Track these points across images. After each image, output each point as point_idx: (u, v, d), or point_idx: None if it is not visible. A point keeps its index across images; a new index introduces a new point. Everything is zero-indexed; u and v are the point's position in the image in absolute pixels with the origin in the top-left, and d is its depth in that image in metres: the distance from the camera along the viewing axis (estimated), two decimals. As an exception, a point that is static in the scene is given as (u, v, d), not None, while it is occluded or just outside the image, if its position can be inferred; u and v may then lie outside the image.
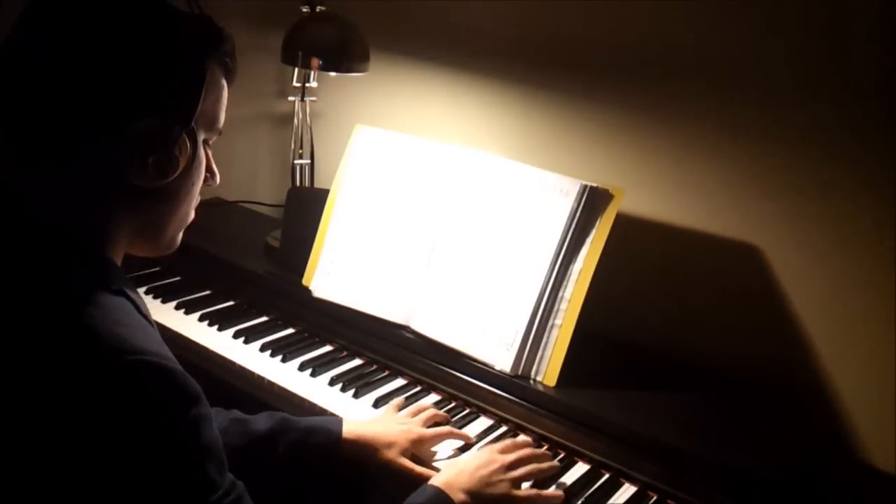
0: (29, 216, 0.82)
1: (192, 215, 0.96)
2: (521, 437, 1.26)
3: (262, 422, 1.17)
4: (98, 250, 0.86)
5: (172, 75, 0.84)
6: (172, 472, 0.78)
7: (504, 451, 1.15)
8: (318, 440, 1.17)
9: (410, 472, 1.17)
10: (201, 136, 0.89)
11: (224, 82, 0.91)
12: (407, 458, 1.19)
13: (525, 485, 1.14)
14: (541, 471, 1.15)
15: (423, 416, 1.26)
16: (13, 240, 0.82)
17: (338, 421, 1.20)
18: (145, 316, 0.86)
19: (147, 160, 0.82)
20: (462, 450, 1.25)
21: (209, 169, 0.94)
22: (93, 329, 0.76)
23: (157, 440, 0.76)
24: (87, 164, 0.83)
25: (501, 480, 1.10)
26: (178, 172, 0.86)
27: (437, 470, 1.17)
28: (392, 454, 1.17)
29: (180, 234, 0.96)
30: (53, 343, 0.75)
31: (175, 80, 0.84)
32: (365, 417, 1.30)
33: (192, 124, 0.86)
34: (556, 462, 1.19)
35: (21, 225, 0.82)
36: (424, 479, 1.14)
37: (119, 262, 0.89)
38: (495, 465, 1.12)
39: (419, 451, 1.21)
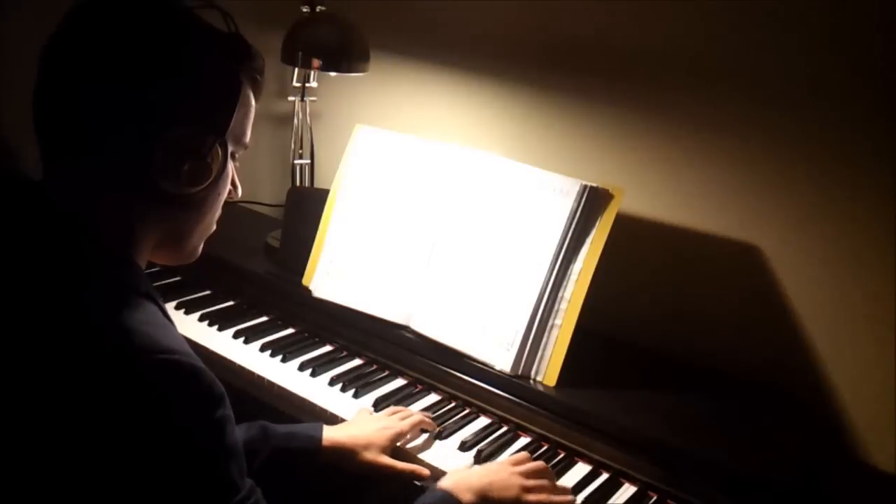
0: (64, 218, 0.84)
1: (214, 226, 0.98)
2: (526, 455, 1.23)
3: (241, 431, 1.15)
4: (127, 254, 0.87)
5: (209, 87, 0.86)
6: (198, 470, 0.79)
7: (516, 463, 1.15)
8: (300, 444, 1.16)
9: (393, 469, 1.17)
10: (230, 149, 0.91)
11: (252, 98, 0.94)
12: (388, 455, 1.19)
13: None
14: (551, 488, 1.13)
15: (400, 414, 1.26)
16: (48, 240, 0.83)
17: (318, 426, 1.20)
18: (169, 320, 0.87)
19: (181, 168, 0.85)
20: (435, 437, 1.26)
21: (232, 182, 0.96)
22: (124, 327, 0.77)
23: (184, 438, 0.77)
24: (123, 170, 0.84)
25: (511, 486, 1.10)
26: (208, 181, 0.88)
27: (422, 464, 1.18)
28: (371, 455, 1.17)
29: (202, 244, 0.98)
30: (85, 340, 0.76)
31: (212, 91, 0.87)
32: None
33: (225, 135, 0.88)
34: (570, 492, 1.16)
35: (56, 226, 0.83)
36: (409, 474, 1.16)
37: (143, 268, 0.90)
38: (505, 473, 1.11)
39: (400, 445, 1.21)
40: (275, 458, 1.14)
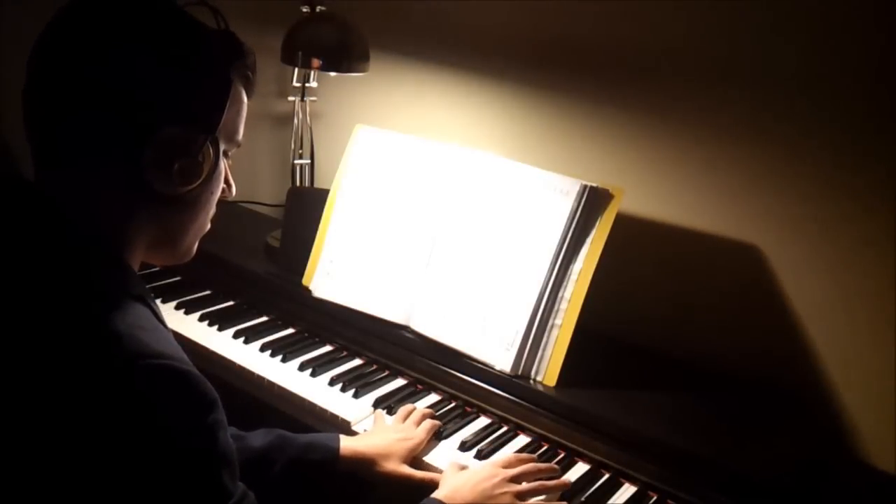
0: (56, 218, 0.83)
1: (209, 225, 0.97)
2: (526, 455, 1.23)
3: (258, 438, 1.16)
4: (119, 255, 0.86)
5: (200, 85, 0.85)
6: (189, 477, 0.78)
7: (507, 465, 1.15)
8: (317, 456, 1.17)
9: (412, 478, 1.17)
10: (222, 147, 0.91)
11: (244, 96, 0.93)
12: (408, 464, 1.19)
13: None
14: (546, 488, 1.14)
15: (413, 418, 1.27)
16: (38, 241, 0.82)
17: (335, 437, 1.20)
18: (162, 323, 0.87)
19: (172, 166, 0.84)
20: (436, 437, 1.26)
21: (226, 181, 0.96)
22: (114, 331, 0.77)
23: (175, 444, 0.77)
24: (114, 170, 0.84)
25: (504, 493, 1.10)
26: (200, 180, 0.87)
27: (439, 471, 1.18)
28: (392, 465, 1.18)
29: (196, 244, 0.97)
30: (75, 343, 0.75)
31: (202, 89, 0.86)
32: (365, 417, 1.31)
33: (216, 133, 0.87)
34: (566, 479, 1.17)
35: (49, 226, 0.83)
36: (427, 483, 1.15)
37: (136, 269, 0.89)
38: (497, 479, 1.12)
39: (420, 454, 1.21)
40: (291, 468, 1.14)
